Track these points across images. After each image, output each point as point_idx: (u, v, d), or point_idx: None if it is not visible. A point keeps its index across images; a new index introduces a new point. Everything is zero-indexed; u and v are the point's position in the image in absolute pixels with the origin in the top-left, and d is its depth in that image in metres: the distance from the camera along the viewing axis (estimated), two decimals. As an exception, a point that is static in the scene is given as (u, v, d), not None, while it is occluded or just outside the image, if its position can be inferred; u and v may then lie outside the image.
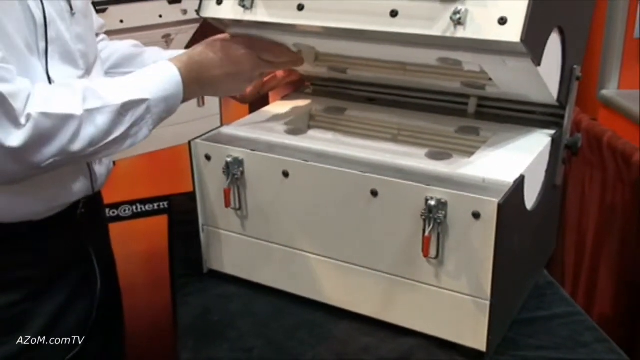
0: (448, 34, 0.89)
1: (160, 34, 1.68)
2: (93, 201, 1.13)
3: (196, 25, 1.70)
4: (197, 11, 1.09)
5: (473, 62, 0.98)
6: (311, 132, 1.19)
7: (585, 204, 1.70)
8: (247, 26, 1.07)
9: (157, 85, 0.98)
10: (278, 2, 1.02)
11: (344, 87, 1.30)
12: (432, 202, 0.90)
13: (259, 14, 1.03)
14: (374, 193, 0.95)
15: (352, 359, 0.98)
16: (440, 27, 0.89)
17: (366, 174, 0.95)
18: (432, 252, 0.92)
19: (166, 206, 1.79)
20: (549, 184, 1.07)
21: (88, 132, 0.91)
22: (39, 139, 0.88)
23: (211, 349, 1.02)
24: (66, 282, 1.09)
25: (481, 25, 0.87)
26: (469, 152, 1.05)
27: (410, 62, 1.13)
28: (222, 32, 1.13)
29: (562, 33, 0.98)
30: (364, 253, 1.00)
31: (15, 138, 0.86)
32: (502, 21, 0.86)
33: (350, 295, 1.04)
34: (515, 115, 1.14)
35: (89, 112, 0.91)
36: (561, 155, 1.10)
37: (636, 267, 1.50)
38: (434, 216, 0.90)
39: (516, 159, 0.99)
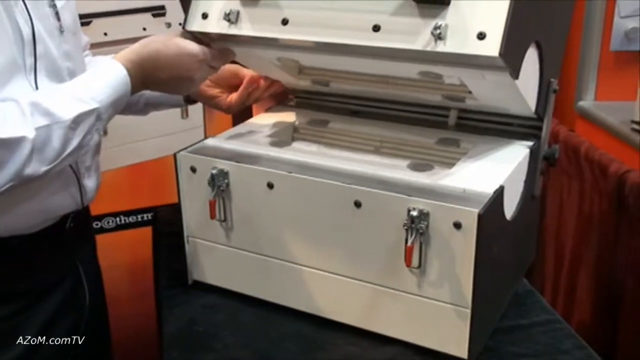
0: (429, 48, 0.91)
1: (144, 47, 1.68)
2: (82, 215, 1.13)
3: (180, 38, 1.71)
4: (182, 25, 1.10)
5: (453, 75, 1.01)
6: (295, 144, 1.20)
7: (564, 214, 1.73)
8: (231, 40, 1.09)
9: (106, 91, 0.94)
10: (263, 16, 1.03)
11: (327, 100, 1.32)
12: (414, 213, 0.92)
13: (244, 28, 1.05)
14: (358, 204, 0.97)
15: (337, 368, 1.00)
16: (421, 42, 0.92)
17: (350, 185, 0.97)
18: (415, 261, 0.94)
19: (149, 218, 1.80)
20: (527, 194, 1.09)
21: (42, 152, 0.88)
22: None
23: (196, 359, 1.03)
24: (55, 295, 1.10)
25: (461, 40, 0.89)
26: (449, 164, 1.07)
27: (393, 75, 1.15)
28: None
29: (539, 47, 1.01)
30: (348, 263, 1.01)
31: None
32: (481, 36, 0.88)
33: (335, 304, 1.05)
34: (495, 127, 1.17)
35: (40, 130, 0.87)
36: (539, 166, 1.12)
37: (613, 275, 1.52)
38: (416, 226, 0.92)
39: (496, 170, 1.01)
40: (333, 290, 1.04)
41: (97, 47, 1.37)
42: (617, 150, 1.57)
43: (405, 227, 0.93)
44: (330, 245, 1.02)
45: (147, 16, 1.66)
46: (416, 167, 1.07)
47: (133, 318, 1.68)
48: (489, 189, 0.94)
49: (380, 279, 0.99)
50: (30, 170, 0.87)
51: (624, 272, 1.48)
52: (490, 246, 0.94)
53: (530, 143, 1.11)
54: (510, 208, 1.02)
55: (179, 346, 1.06)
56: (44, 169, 0.89)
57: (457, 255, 0.91)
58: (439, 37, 0.90)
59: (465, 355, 0.96)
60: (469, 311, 0.93)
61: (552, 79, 1.09)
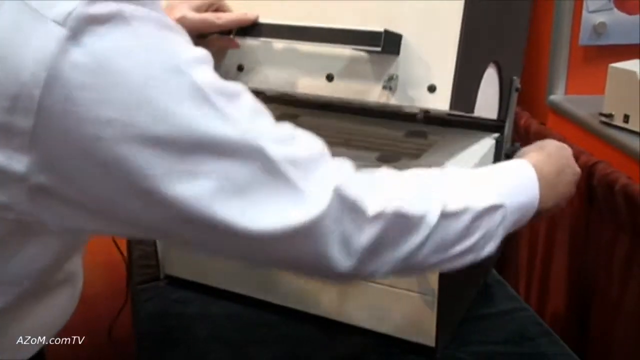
0: (381, 101, 0.90)
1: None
2: None
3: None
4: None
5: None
6: (265, 139, 1.20)
7: (536, 206, 1.75)
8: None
9: (513, 189, 0.77)
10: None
11: (297, 94, 1.32)
12: (381, 203, 0.92)
13: None
14: (326, 196, 0.98)
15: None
16: (373, 94, 0.90)
17: (318, 178, 0.98)
18: (382, 251, 0.95)
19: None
20: (493, 185, 1.11)
21: (436, 239, 0.69)
22: (384, 243, 0.67)
23: (169, 353, 1.03)
24: None
25: (412, 93, 0.88)
26: (417, 155, 1.08)
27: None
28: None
29: (498, 65, 1.01)
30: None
31: (360, 238, 0.65)
32: (432, 89, 0.86)
33: (305, 296, 1.06)
34: (461, 119, 1.18)
35: (446, 216, 0.69)
36: (503, 160, 1.13)
37: (584, 266, 1.55)
38: (383, 216, 0.93)
39: (461, 161, 1.02)
40: (303, 282, 1.05)
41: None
42: (587, 143, 1.59)
43: (373, 217, 0.94)
44: (299, 237, 1.03)
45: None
46: (384, 158, 1.08)
47: (109, 315, 1.67)
48: (454, 180, 0.95)
49: (348, 269, 1.00)
50: (419, 258, 0.69)
51: (595, 263, 1.50)
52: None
53: (497, 135, 1.12)
54: (475, 198, 1.03)
55: (151, 341, 1.06)
56: (430, 261, 0.71)
57: (423, 245, 0.93)
58: (390, 89, 0.88)
59: (432, 343, 0.98)
60: (435, 300, 0.95)
61: (514, 77, 1.09)
